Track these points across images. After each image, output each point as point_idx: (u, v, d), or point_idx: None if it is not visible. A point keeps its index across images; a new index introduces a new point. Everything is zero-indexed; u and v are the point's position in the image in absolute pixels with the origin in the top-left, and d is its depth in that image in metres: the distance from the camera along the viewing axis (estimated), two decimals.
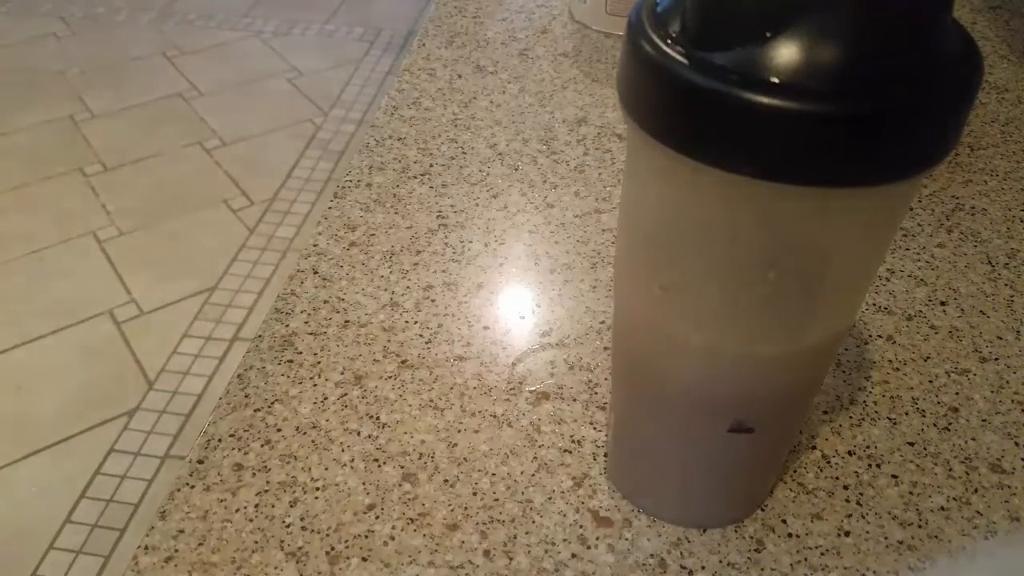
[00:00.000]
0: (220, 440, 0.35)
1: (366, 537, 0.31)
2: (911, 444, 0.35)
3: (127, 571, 0.30)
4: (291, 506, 0.32)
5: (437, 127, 0.53)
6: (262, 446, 0.34)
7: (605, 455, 0.34)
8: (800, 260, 0.22)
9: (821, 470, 0.34)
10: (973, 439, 0.35)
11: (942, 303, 0.41)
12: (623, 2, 0.62)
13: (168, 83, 2.26)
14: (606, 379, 0.37)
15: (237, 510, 0.32)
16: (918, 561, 0.31)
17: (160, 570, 0.30)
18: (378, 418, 0.36)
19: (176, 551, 0.31)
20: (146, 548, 0.31)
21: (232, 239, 1.76)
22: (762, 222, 0.21)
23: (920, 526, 0.32)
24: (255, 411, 0.36)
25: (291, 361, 0.38)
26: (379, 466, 0.34)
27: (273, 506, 0.32)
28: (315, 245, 0.44)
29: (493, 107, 0.55)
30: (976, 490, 0.33)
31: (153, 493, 1.29)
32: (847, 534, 0.31)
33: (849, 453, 0.34)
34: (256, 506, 0.32)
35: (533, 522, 0.32)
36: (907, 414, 0.36)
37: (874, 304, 0.41)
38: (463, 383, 0.37)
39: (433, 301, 0.41)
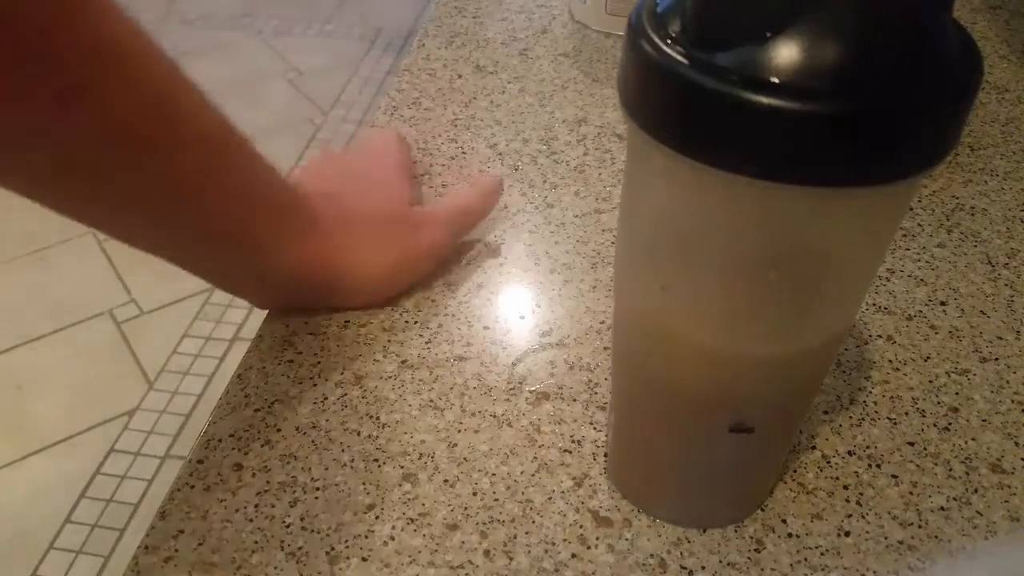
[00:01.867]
0: (220, 440, 0.35)
1: (366, 537, 0.31)
2: (911, 444, 0.35)
3: (127, 571, 0.30)
4: (291, 506, 0.32)
5: (437, 127, 0.53)
6: (262, 446, 0.34)
7: (605, 455, 0.34)
8: (800, 260, 0.22)
9: (821, 470, 0.34)
10: (973, 439, 0.35)
11: (942, 303, 0.41)
12: (623, 2, 0.62)
13: None
14: (606, 379, 0.37)
15: (237, 510, 0.32)
16: (918, 561, 0.31)
17: (160, 570, 0.30)
18: (378, 418, 0.36)
19: (176, 551, 0.31)
20: (146, 548, 0.31)
21: None
22: (762, 222, 0.21)
23: (920, 526, 0.32)
24: (255, 411, 0.36)
25: (291, 361, 0.38)
26: (379, 466, 0.34)
27: (273, 506, 0.32)
28: None
29: (493, 107, 0.55)
30: (976, 490, 0.33)
31: (153, 493, 1.29)
32: (847, 534, 0.31)
33: (849, 453, 0.34)
34: (256, 506, 0.32)
35: (533, 522, 0.32)
36: (907, 414, 0.36)
37: (874, 304, 0.41)
38: (463, 383, 0.37)
39: (433, 301, 0.41)
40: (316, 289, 0.38)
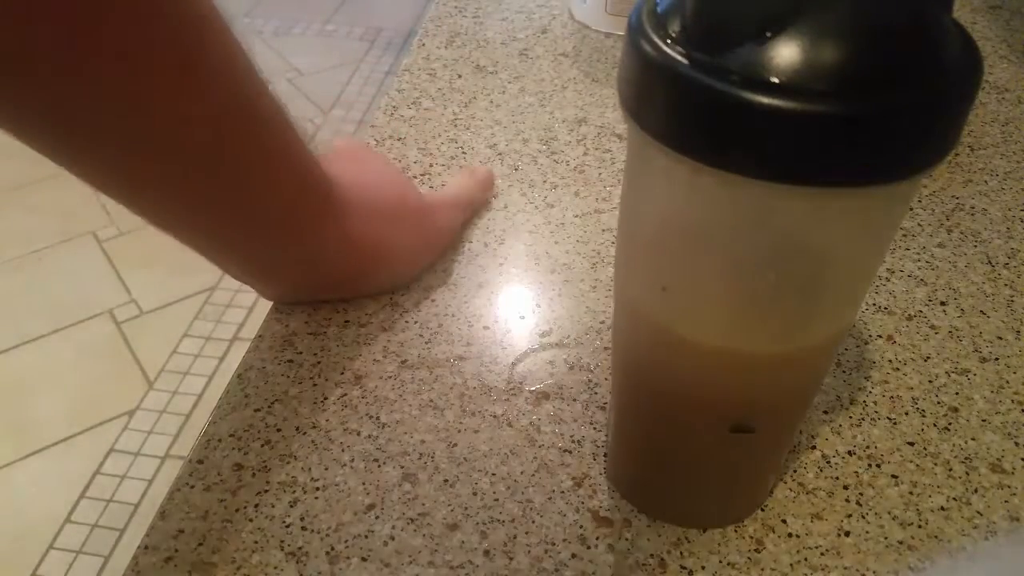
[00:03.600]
0: (220, 440, 0.35)
1: (366, 537, 0.31)
2: (911, 444, 0.35)
3: (127, 571, 0.30)
4: (291, 506, 0.32)
5: (437, 127, 0.53)
6: (262, 446, 0.34)
7: (605, 455, 0.34)
8: (800, 260, 0.22)
9: (821, 470, 0.34)
10: (973, 439, 0.35)
11: (942, 303, 0.41)
12: (623, 2, 0.62)
13: None
14: (606, 379, 0.37)
15: (237, 510, 0.32)
16: (918, 561, 0.31)
17: (160, 570, 0.30)
18: (378, 418, 0.36)
19: (176, 551, 0.31)
20: (146, 548, 0.31)
21: None
22: (762, 222, 0.21)
23: (920, 526, 0.32)
24: (255, 411, 0.36)
25: (291, 361, 0.38)
26: (379, 466, 0.34)
27: (273, 506, 0.32)
28: None
29: (493, 107, 0.55)
30: (976, 490, 0.33)
31: (153, 493, 1.29)
32: (847, 534, 0.31)
33: (849, 453, 0.34)
34: (256, 506, 0.32)
35: (533, 522, 0.32)
36: (907, 414, 0.36)
37: (874, 304, 0.41)
38: (463, 383, 0.37)
39: (433, 301, 0.41)
40: (346, 273, 0.39)
